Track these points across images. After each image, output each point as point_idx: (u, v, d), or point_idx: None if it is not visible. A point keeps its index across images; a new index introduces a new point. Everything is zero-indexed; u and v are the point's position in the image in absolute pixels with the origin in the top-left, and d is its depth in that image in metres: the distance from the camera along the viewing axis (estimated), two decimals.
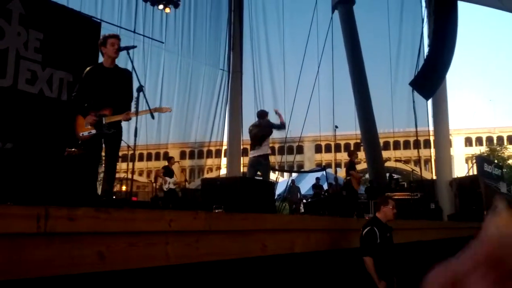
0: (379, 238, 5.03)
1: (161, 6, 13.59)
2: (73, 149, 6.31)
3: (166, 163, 12.19)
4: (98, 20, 10.29)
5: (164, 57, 15.09)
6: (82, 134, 4.97)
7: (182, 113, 15.70)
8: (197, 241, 3.55)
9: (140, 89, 5.34)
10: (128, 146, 9.46)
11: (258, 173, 8.56)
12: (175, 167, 12.41)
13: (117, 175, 10.96)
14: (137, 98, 5.32)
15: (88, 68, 5.17)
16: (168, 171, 11.80)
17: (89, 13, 11.22)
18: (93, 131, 4.93)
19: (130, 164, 8.19)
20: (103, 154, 5.11)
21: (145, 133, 13.02)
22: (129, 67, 5.53)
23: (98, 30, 9.01)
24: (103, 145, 5.06)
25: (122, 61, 12.16)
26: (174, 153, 16.57)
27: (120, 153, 12.26)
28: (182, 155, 22.53)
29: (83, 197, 4.67)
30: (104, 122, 4.97)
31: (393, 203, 5.40)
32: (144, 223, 3.15)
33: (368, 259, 4.93)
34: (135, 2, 13.42)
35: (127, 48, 5.45)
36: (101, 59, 5.31)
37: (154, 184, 12.73)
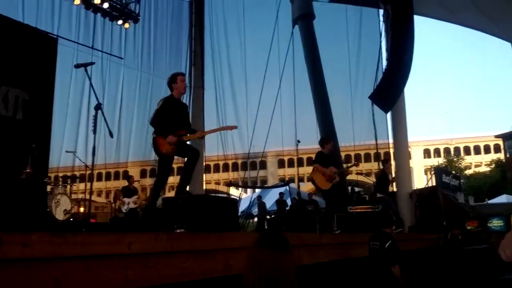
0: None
1: (120, 22, 13.41)
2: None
3: (126, 183, 11.95)
4: (55, 36, 10.05)
5: (124, 73, 14.84)
6: (166, 151, 5.78)
7: (142, 130, 15.29)
8: (159, 263, 3.44)
9: (99, 106, 5.22)
10: (86, 166, 9.20)
11: None
12: (136, 186, 12.15)
13: (75, 196, 10.65)
14: (95, 116, 5.18)
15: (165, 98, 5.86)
16: (127, 191, 11.54)
17: (46, 28, 10.98)
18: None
19: (88, 185, 7.91)
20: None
21: (104, 152, 12.67)
22: (87, 84, 5.46)
23: (54, 46, 8.77)
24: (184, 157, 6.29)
25: (79, 78, 11.91)
26: (134, 171, 16.21)
27: (78, 173, 12.00)
28: (143, 174, 22.11)
29: (38, 220, 4.48)
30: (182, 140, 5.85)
31: None
32: (102, 247, 3.03)
33: (397, 267, 5.96)
34: (93, 17, 13.15)
35: (85, 65, 5.33)
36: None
37: (113, 205, 12.39)
